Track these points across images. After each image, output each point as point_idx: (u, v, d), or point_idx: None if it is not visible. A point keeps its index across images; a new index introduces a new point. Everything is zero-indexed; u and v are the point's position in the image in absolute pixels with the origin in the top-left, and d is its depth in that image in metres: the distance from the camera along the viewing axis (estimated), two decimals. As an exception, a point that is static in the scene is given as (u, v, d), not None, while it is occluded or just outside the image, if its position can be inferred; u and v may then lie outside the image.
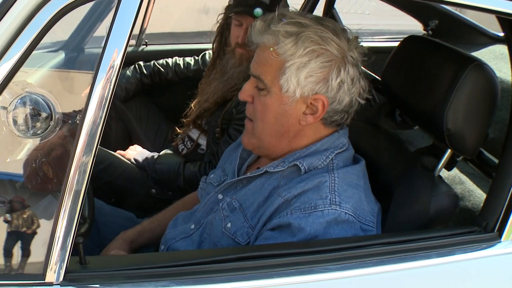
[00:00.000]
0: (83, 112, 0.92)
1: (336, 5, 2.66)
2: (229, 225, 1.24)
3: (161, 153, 2.15)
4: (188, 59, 2.46)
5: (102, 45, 0.92)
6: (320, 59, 1.16)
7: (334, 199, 1.14)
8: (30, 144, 1.01)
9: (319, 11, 2.68)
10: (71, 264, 0.96)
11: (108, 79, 0.91)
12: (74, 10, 0.91)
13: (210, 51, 2.26)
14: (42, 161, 1.01)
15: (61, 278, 0.94)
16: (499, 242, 1.19)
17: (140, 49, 2.69)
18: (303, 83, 1.17)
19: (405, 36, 1.49)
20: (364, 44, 1.24)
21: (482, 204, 1.27)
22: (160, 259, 1.11)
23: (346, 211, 1.14)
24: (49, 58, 1.67)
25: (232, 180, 1.33)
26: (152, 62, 2.45)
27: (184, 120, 2.18)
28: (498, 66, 2.56)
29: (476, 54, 2.75)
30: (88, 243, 1.45)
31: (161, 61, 2.46)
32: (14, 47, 0.89)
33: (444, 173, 1.37)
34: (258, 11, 1.86)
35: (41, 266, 0.94)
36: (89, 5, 0.93)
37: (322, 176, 1.18)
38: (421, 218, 1.25)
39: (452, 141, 1.24)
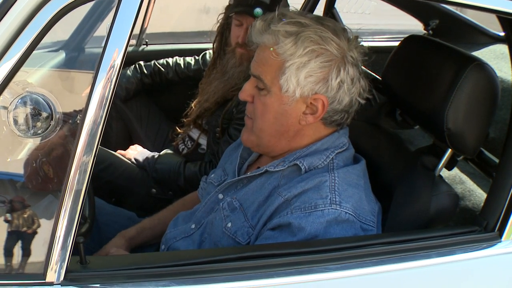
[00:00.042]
0: (83, 111, 0.92)
1: (336, 5, 2.67)
2: (229, 224, 1.24)
3: (161, 152, 2.15)
4: (188, 58, 2.46)
5: (103, 45, 0.92)
6: (320, 59, 1.16)
7: (334, 199, 1.14)
8: (30, 143, 1.01)
9: (319, 10, 2.68)
10: (72, 263, 0.96)
11: (108, 79, 0.91)
12: (74, 10, 0.91)
13: (211, 51, 2.26)
14: (43, 160, 1.02)
15: (61, 278, 0.94)
16: (500, 241, 1.19)
17: (140, 48, 2.69)
18: (303, 83, 1.17)
19: (406, 35, 1.49)
20: (365, 44, 1.24)
21: (482, 204, 1.27)
22: (161, 259, 1.11)
23: (346, 211, 1.14)
24: (50, 58, 1.67)
25: (233, 180, 1.33)
26: (152, 62, 2.45)
27: (185, 120, 2.18)
28: (499, 65, 2.56)
29: (477, 53, 2.74)
30: (89, 243, 1.45)
31: (161, 61, 2.46)
32: (15, 47, 0.89)
33: (444, 173, 1.37)
34: (258, 11, 1.86)
35: (41, 266, 0.94)
36: (89, 5, 0.93)
37: (322, 175, 1.18)
38: (422, 217, 1.25)
39: (452, 140, 1.24)
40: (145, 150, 2.20)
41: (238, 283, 1.03)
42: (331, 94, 1.18)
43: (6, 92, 0.92)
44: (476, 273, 1.21)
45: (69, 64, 1.98)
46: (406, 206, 1.27)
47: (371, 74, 1.94)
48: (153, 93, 2.51)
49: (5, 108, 0.94)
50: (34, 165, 1.02)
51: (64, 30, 1.91)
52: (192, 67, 2.43)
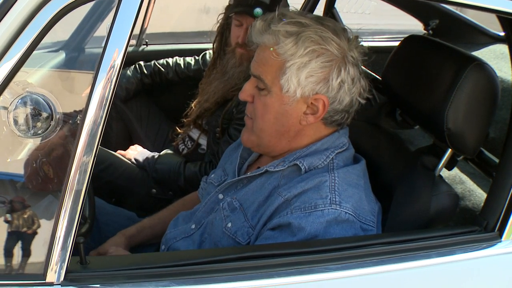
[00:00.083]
0: (83, 112, 0.92)
1: (336, 5, 2.66)
2: (229, 225, 1.24)
3: (161, 153, 2.15)
4: (188, 59, 2.46)
5: (103, 45, 0.92)
6: (321, 59, 1.16)
7: (334, 199, 1.14)
8: (30, 144, 1.01)
9: (319, 10, 2.68)
10: (72, 264, 0.96)
11: (108, 79, 0.91)
12: (74, 10, 0.91)
13: (211, 51, 2.26)
14: (43, 161, 1.01)
15: (61, 278, 0.94)
16: (500, 241, 1.19)
17: (140, 49, 2.69)
18: (303, 83, 1.17)
19: (406, 35, 1.49)
20: (365, 44, 1.24)
21: (482, 204, 1.27)
22: (161, 259, 1.11)
23: (346, 211, 1.14)
24: (50, 58, 1.67)
25: (233, 180, 1.33)
26: (152, 62, 2.45)
27: (185, 120, 2.18)
28: (499, 65, 2.56)
29: (477, 53, 2.74)
30: (90, 242, 1.46)
31: (161, 61, 2.46)
32: (15, 47, 0.89)
33: (444, 173, 1.37)
34: (258, 11, 1.86)
35: (41, 266, 0.94)
36: (89, 5, 0.93)
37: (322, 175, 1.18)
38: (422, 217, 1.25)
39: (452, 140, 1.24)
40: (145, 150, 2.20)
41: (239, 283, 1.03)
42: (331, 94, 1.18)
43: (6, 92, 0.91)
44: (476, 273, 1.21)
45: (69, 64, 1.99)
46: (406, 206, 1.27)
47: (371, 74, 1.94)
48: (153, 93, 2.51)
49: (5, 108, 0.94)
50: (34, 165, 1.02)
51: (64, 30, 1.91)
52: (192, 67, 2.44)
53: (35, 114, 0.95)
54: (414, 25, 3.16)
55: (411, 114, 1.47)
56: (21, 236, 0.99)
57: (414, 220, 1.25)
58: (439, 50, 1.35)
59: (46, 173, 1.02)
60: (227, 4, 2.05)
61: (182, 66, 2.44)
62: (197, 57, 2.46)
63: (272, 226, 1.16)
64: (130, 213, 1.79)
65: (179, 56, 2.48)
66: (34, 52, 0.91)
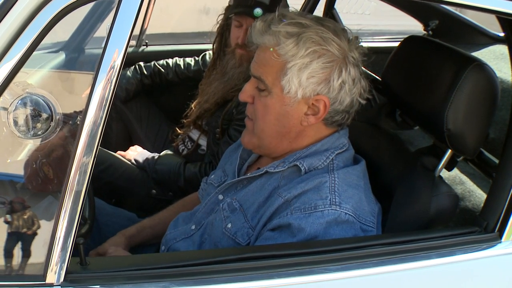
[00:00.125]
0: (83, 112, 0.92)
1: (336, 5, 2.66)
2: (229, 225, 1.24)
3: (161, 153, 2.15)
4: (188, 59, 2.46)
5: (103, 45, 0.92)
6: (322, 60, 1.16)
7: (334, 200, 1.14)
8: (30, 145, 1.01)
9: (319, 11, 2.68)
10: (72, 265, 0.96)
11: (108, 80, 0.91)
12: (74, 11, 0.91)
13: (211, 52, 2.26)
14: (43, 161, 1.01)
15: (61, 279, 0.94)
16: (500, 242, 1.19)
17: (140, 49, 2.69)
18: (304, 84, 1.17)
19: (405, 36, 1.49)
20: (364, 44, 1.24)
21: (482, 205, 1.27)
22: (161, 260, 1.11)
23: (346, 212, 1.14)
24: (50, 58, 1.67)
25: (233, 181, 1.33)
26: (152, 63, 2.45)
27: (185, 121, 2.18)
28: (499, 66, 2.56)
29: (477, 54, 2.75)
30: (90, 243, 1.46)
31: (161, 62, 2.46)
32: (15, 47, 0.89)
33: (444, 173, 1.37)
34: (258, 11, 1.86)
35: (41, 267, 0.94)
36: (89, 6, 0.93)
37: (322, 176, 1.18)
38: (422, 218, 1.25)
39: (452, 141, 1.24)
40: (145, 151, 2.20)
41: (239, 284, 1.03)
42: (332, 94, 1.18)
43: (6, 93, 0.91)
44: (476, 273, 1.21)
45: (69, 65, 1.99)
46: (406, 206, 1.27)
47: (371, 75, 1.94)
48: (153, 94, 2.51)
49: (5, 109, 0.93)
50: (34, 166, 1.02)
51: (64, 30, 1.91)
52: (192, 68, 2.44)
53: (35, 115, 0.95)
54: (414, 26, 3.16)
55: (411, 115, 1.47)
56: (21, 237, 0.99)
57: (414, 221, 1.25)
58: (439, 51, 1.35)
59: (46, 174, 1.02)
60: (227, 5, 2.05)
61: (182, 66, 2.44)
62: (197, 58, 2.46)
63: (272, 226, 1.16)
64: (130, 214, 1.79)
65: (179, 57, 2.48)
66: (34, 52, 0.91)
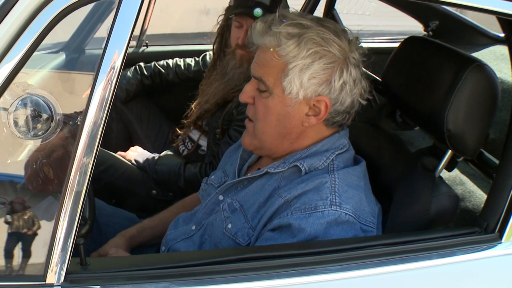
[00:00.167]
0: (83, 113, 0.92)
1: (336, 6, 2.66)
2: (229, 226, 1.24)
3: (161, 154, 2.15)
4: (188, 60, 2.47)
5: (103, 46, 0.92)
6: (323, 61, 1.16)
7: (334, 200, 1.14)
8: (31, 145, 1.01)
9: (319, 12, 2.68)
10: (72, 265, 0.96)
11: (108, 80, 0.91)
12: (75, 11, 0.91)
13: (211, 52, 2.26)
14: (43, 162, 1.01)
15: (61, 280, 0.94)
16: (500, 243, 1.19)
17: (140, 50, 2.69)
18: (306, 85, 1.17)
19: (406, 37, 1.49)
20: (365, 45, 1.24)
21: (482, 205, 1.27)
22: (161, 260, 1.11)
23: (347, 212, 1.14)
24: (50, 59, 1.67)
25: (233, 181, 1.33)
26: (152, 63, 2.45)
27: (185, 121, 2.18)
28: (499, 66, 2.56)
29: (477, 54, 2.75)
30: (90, 244, 1.46)
31: (161, 62, 2.46)
32: (15, 48, 0.89)
33: (444, 174, 1.37)
34: (258, 11, 1.86)
35: (41, 267, 0.94)
36: (90, 6, 0.93)
37: (322, 177, 1.18)
38: (422, 219, 1.25)
39: (452, 141, 1.24)
40: (145, 151, 2.20)
41: (239, 284, 1.03)
42: (334, 95, 1.18)
43: (6, 94, 0.92)
44: (477, 274, 1.21)
45: (70, 65, 1.99)
46: (406, 207, 1.27)
47: (371, 75, 1.94)
48: (153, 94, 2.51)
49: (6, 109, 0.94)
50: (35, 166, 1.02)
51: (64, 31, 1.92)
52: (192, 68, 2.44)
53: (35, 116, 0.95)
54: (414, 26, 3.16)
55: (411, 115, 1.47)
56: (21, 237, 0.99)
57: (414, 221, 1.25)
58: (439, 51, 1.35)
59: (46, 174, 1.02)
60: (227, 5, 2.05)
61: (182, 67, 2.44)
62: (197, 58, 2.46)
63: (272, 227, 1.16)
64: (130, 214, 1.79)
65: (179, 57, 2.48)
66: (35, 53, 0.91)
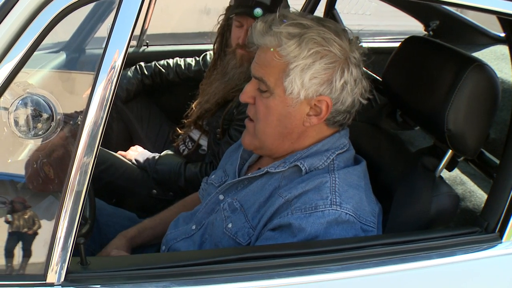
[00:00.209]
0: (84, 113, 0.92)
1: (337, 6, 2.66)
2: (230, 225, 1.24)
3: (162, 153, 2.15)
4: (189, 59, 2.47)
5: (103, 46, 0.92)
6: (324, 61, 1.16)
7: (334, 200, 1.14)
8: (31, 145, 1.01)
9: (320, 11, 2.68)
10: (72, 264, 0.96)
11: (109, 80, 0.92)
12: (75, 11, 0.92)
13: (211, 52, 2.26)
14: (44, 161, 1.02)
15: (62, 279, 0.94)
16: (500, 242, 1.19)
17: (141, 50, 2.70)
18: (307, 85, 1.16)
19: (406, 36, 1.49)
20: (365, 45, 1.24)
21: (483, 205, 1.27)
22: (161, 260, 1.11)
23: (347, 212, 1.14)
24: (51, 59, 1.67)
25: (233, 181, 1.33)
26: (153, 63, 2.45)
27: (185, 121, 2.18)
28: (499, 66, 2.56)
29: (477, 54, 2.75)
30: (90, 244, 1.46)
31: (162, 62, 2.46)
32: (16, 48, 0.89)
33: (445, 174, 1.37)
34: (258, 11, 1.86)
35: (42, 267, 0.94)
36: (90, 6, 0.93)
37: (322, 176, 1.18)
38: (422, 218, 1.25)
39: (453, 141, 1.24)
40: (146, 151, 2.20)
41: (239, 284, 1.03)
42: (335, 95, 1.18)
43: (7, 93, 0.92)
44: (477, 274, 1.21)
45: (70, 65, 1.99)
46: (406, 207, 1.27)
47: (371, 75, 1.94)
48: (154, 94, 2.51)
49: (6, 109, 0.94)
50: (35, 166, 1.02)
51: (65, 31, 1.91)
52: (192, 68, 2.44)
53: (36, 115, 0.95)
54: (415, 26, 3.16)
55: (412, 115, 1.47)
56: (22, 237, 0.99)
57: (414, 221, 1.25)
58: (440, 51, 1.35)
59: (46, 174, 1.02)
60: (228, 5, 2.05)
61: (183, 67, 2.44)
62: (197, 58, 2.46)
63: (272, 226, 1.16)
64: (131, 214, 1.79)
65: (179, 57, 2.48)
66: (35, 53, 0.91)
